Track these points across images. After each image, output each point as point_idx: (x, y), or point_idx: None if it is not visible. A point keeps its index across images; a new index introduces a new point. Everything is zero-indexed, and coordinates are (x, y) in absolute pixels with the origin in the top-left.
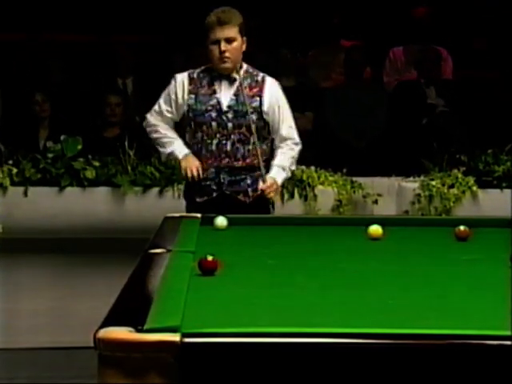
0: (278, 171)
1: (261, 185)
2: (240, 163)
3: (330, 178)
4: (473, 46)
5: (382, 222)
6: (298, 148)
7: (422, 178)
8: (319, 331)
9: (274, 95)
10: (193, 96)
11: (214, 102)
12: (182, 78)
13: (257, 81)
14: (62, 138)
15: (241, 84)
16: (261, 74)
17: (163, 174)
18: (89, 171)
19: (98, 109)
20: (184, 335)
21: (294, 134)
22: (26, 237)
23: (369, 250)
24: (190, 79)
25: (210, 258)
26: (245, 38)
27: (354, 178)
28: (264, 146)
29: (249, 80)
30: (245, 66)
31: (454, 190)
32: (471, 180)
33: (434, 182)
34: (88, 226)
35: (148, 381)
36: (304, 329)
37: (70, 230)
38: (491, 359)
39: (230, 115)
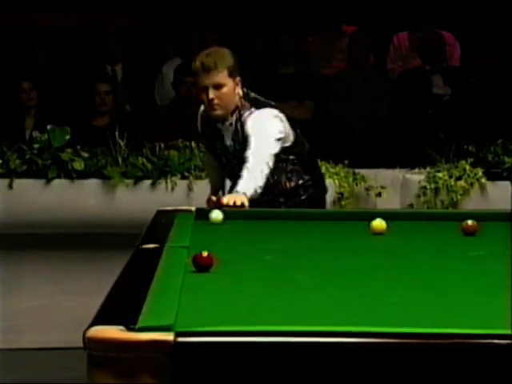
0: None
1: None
2: (289, 184)
3: (331, 170)
4: (481, 30)
5: (386, 216)
6: (262, 160)
7: (427, 169)
8: (318, 330)
9: (249, 122)
10: (206, 136)
11: (221, 146)
12: (199, 115)
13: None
14: (48, 127)
15: (236, 124)
16: (253, 109)
17: (156, 166)
18: (77, 162)
19: (86, 97)
20: (178, 334)
21: (261, 145)
22: (10, 232)
23: (371, 246)
24: (201, 117)
25: (204, 253)
26: (238, 79)
27: (357, 170)
28: (290, 167)
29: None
30: (247, 104)
31: (462, 183)
32: (479, 172)
33: (440, 174)
34: (77, 220)
35: (140, 381)
36: (303, 327)
37: (57, 224)
38: (498, 359)
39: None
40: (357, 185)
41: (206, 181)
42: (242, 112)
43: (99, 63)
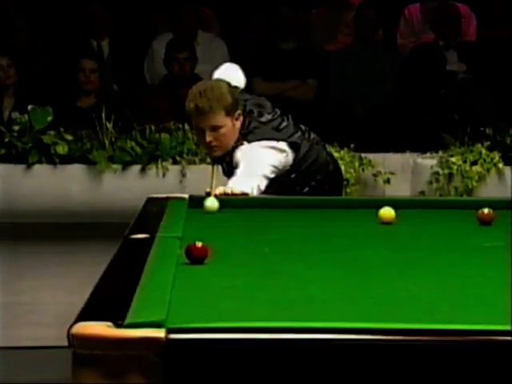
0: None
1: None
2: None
3: (336, 154)
4: (499, 2)
5: (395, 203)
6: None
7: (440, 153)
8: (322, 326)
9: (238, 153)
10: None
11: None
12: None
13: None
14: (29, 108)
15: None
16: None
17: (146, 150)
18: (60, 146)
19: (70, 75)
20: (169, 331)
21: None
22: None
23: (379, 236)
24: None
25: (199, 244)
26: (238, 113)
27: (363, 154)
28: (293, 181)
29: None
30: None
31: (477, 168)
32: (497, 156)
33: (454, 159)
34: (60, 209)
35: (129, 382)
36: (304, 323)
37: (38, 213)
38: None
39: None
40: (363, 170)
41: (200, 166)
42: (238, 144)
43: (84, 38)
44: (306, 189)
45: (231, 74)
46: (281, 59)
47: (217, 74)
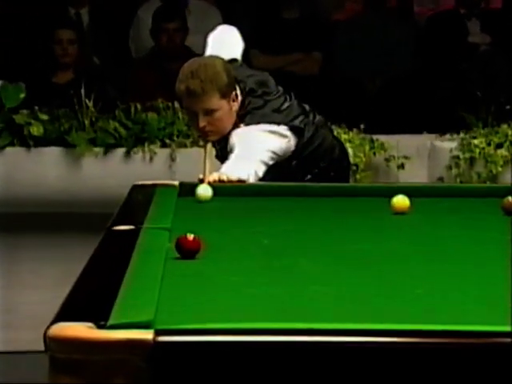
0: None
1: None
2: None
3: (344, 136)
4: None
5: (410, 191)
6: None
7: (461, 135)
8: (326, 327)
9: (234, 136)
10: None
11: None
12: None
13: None
14: None
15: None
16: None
17: (131, 131)
18: (35, 127)
19: (45, 47)
20: (158, 332)
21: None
22: None
23: (392, 227)
24: None
25: (190, 236)
26: (235, 93)
27: (375, 136)
28: (295, 168)
29: None
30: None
31: (503, 151)
32: None
33: (476, 141)
34: (35, 197)
35: None
36: (307, 324)
37: (11, 201)
38: None
39: None
40: (375, 154)
41: (191, 150)
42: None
43: (60, 5)
44: (309, 177)
45: (228, 37)
46: (282, 30)
47: (212, 37)
